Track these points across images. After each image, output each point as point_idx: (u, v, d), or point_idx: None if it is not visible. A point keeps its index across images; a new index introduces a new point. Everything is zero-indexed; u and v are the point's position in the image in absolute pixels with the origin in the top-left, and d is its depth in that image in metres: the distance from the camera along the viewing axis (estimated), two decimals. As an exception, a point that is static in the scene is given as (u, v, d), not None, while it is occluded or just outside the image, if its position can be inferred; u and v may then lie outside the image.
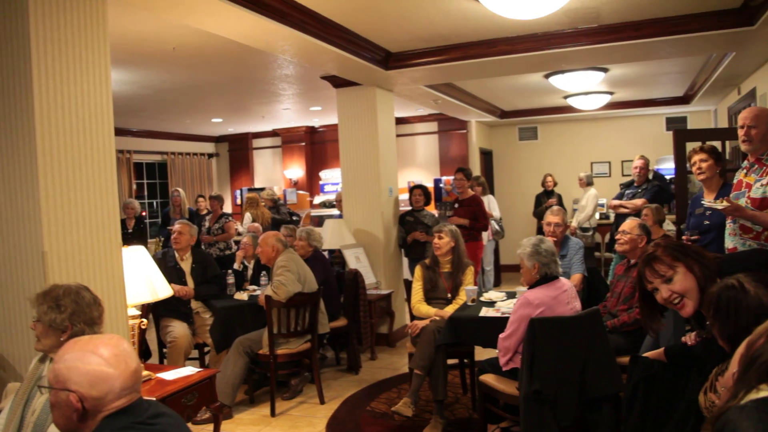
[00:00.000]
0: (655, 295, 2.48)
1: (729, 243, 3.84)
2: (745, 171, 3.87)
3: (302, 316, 4.98)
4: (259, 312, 5.15)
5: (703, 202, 4.20)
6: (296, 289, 4.91)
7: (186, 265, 5.64)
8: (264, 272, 5.85)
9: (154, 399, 1.95)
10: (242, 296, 5.64)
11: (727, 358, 2.29)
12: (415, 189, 7.29)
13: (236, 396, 4.94)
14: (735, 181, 3.95)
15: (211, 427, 3.96)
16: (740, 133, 3.83)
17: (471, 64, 6.07)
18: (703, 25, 5.27)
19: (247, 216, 8.54)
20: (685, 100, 10.08)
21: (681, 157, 6.76)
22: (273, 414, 4.90)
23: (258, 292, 5.55)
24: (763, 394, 1.48)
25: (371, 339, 6.36)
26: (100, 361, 1.69)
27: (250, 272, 6.34)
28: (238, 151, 13.12)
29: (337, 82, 6.88)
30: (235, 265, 6.45)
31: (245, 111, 9.93)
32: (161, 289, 3.74)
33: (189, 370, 3.82)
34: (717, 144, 6.43)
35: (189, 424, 4.44)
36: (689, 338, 2.68)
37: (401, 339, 7.07)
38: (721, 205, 3.62)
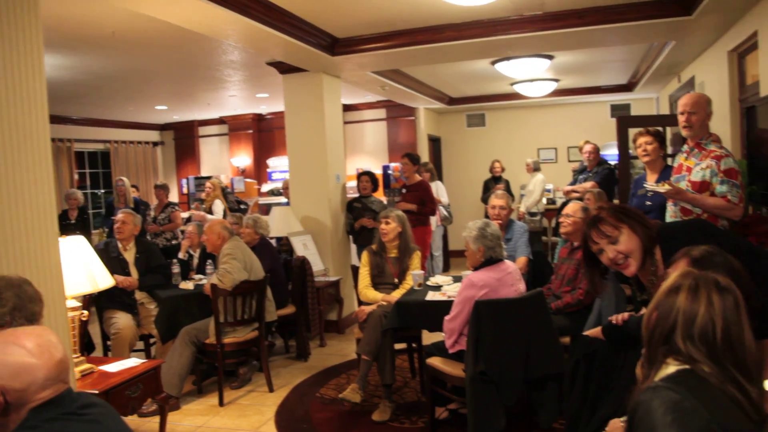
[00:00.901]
0: (600, 256, 2.55)
1: (670, 224, 3.97)
2: (685, 155, 4.00)
3: (249, 304, 4.94)
4: (205, 301, 5.10)
5: (645, 184, 4.33)
6: (242, 277, 4.87)
7: (129, 255, 5.53)
8: (210, 261, 5.78)
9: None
10: (188, 285, 5.57)
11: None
12: (363, 175, 7.29)
13: (183, 387, 4.88)
14: (675, 164, 4.08)
15: (158, 419, 3.91)
16: (681, 119, 3.96)
17: (418, 50, 6.08)
18: (644, 14, 5.39)
19: (218, 203, 8.38)
20: (628, 87, 10.31)
21: (624, 143, 6.93)
22: (221, 403, 4.86)
23: (204, 281, 5.49)
24: (671, 368, 1.53)
25: (320, 326, 6.36)
26: (22, 352, 1.65)
27: (196, 261, 6.25)
28: (184, 140, 12.89)
29: (284, 68, 6.81)
30: (180, 255, 6.36)
31: (190, 98, 9.75)
32: (102, 279, 3.67)
33: (133, 362, 3.77)
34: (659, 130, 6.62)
35: (135, 417, 4.43)
36: (616, 318, 2.75)
37: (351, 325, 7.09)
38: (662, 188, 3.74)
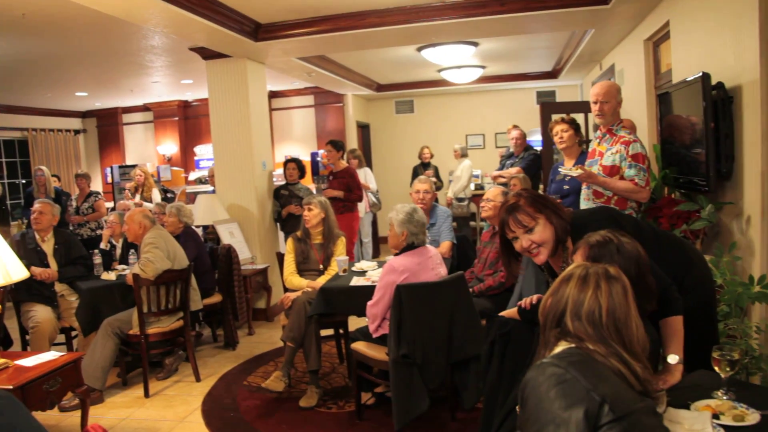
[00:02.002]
0: (514, 243, 2.62)
1: (584, 206, 4.12)
2: (598, 140, 4.16)
3: (173, 293, 4.86)
4: (128, 292, 5.00)
5: (560, 168, 4.48)
6: (165, 266, 4.79)
7: (48, 246, 5.36)
8: (133, 250, 5.66)
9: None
10: (110, 276, 5.44)
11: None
12: (289, 162, 7.25)
13: (107, 379, 4.77)
14: (590, 149, 4.24)
15: (79, 413, 3.83)
16: (593, 108, 4.11)
17: (342, 36, 6.07)
18: (564, 2, 5.54)
19: (156, 192, 8.16)
20: (553, 74, 10.56)
21: (547, 129, 7.11)
22: (147, 395, 4.78)
23: (127, 272, 5.37)
24: (557, 349, 1.64)
25: (248, 314, 6.32)
26: None
27: (118, 251, 6.10)
28: (107, 127, 12.48)
29: (207, 53, 6.69)
30: (102, 245, 6.19)
31: (112, 84, 9.44)
32: (15, 271, 3.54)
33: (51, 355, 3.68)
34: (580, 116, 6.83)
35: (56, 411, 4.31)
36: (524, 302, 2.84)
37: (279, 313, 7.04)
38: (575, 172, 3.88)
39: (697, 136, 4.06)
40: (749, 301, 3.29)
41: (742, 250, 3.73)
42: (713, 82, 3.87)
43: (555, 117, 4.74)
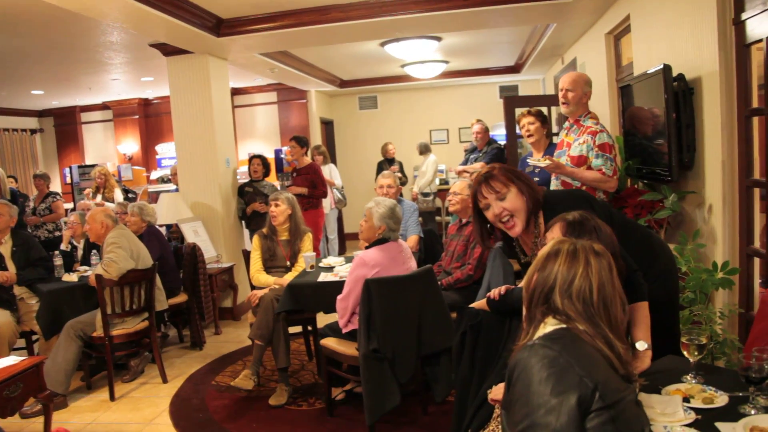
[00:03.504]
0: (486, 212, 2.62)
1: (554, 196, 4.15)
2: (566, 131, 4.20)
3: (137, 293, 4.77)
4: (90, 293, 4.89)
5: (528, 160, 4.51)
6: (129, 266, 4.69)
7: (5, 248, 5.21)
8: (95, 251, 5.53)
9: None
10: (71, 278, 5.31)
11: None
12: (254, 159, 7.17)
13: (70, 383, 4.66)
14: (558, 141, 4.27)
15: (42, 419, 3.72)
16: (560, 96, 4.15)
17: (305, 31, 6.01)
18: (526, -5, 5.57)
19: (118, 192, 7.98)
20: (515, 69, 10.64)
21: (511, 123, 7.15)
22: (112, 398, 4.68)
23: (89, 273, 5.25)
24: (549, 327, 1.61)
25: (214, 313, 6.24)
26: None
27: (80, 252, 5.97)
28: (66, 126, 12.21)
29: (167, 50, 6.57)
30: (63, 246, 6.05)
31: (69, 82, 9.22)
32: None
33: (11, 360, 3.58)
34: (544, 109, 6.88)
35: (17, 418, 4.20)
36: (493, 293, 2.85)
37: (246, 311, 6.99)
38: (543, 162, 3.90)
39: (659, 128, 4.12)
40: (713, 288, 3.35)
41: (704, 238, 3.80)
42: (674, 73, 3.93)
43: (522, 110, 4.76)
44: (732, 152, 3.60)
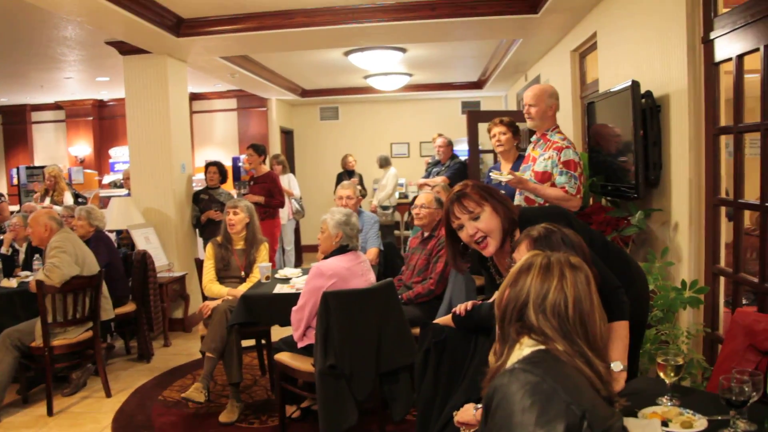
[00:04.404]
0: (460, 233, 2.50)
1: (516, 214, 4.06)
2: (533, 145, 4.11)
3: (81, 301, 4.52)
4: (31, 300, 4.60)
5: (491, 174, 4.40)
6: (73, 271, 4.44)
7: (-60, 250, 4.91)
8: (38, 255, 5.25)
9: None
10: (11, 283, 5.03)
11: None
12: (210, 166, 6.96)
13: (4, 397, 4.39)
14: (526, 154, 4.19)
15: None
16: (524, 111, 4.07)
17: (268, 36, 5.85)
18: (494, 9, 5.53)
19: (68, 195, 7.63)
20: (478, 85, 10.65)
21: (474, 137, 7.11)
22: (50, 413, 4.40)
23: (30, 278, 4.97)
24: (526, 349, 1.48)
25: (164, 324, 5.99)
26: None
27: (21, 256, 5.67)
28: (14, 125, 11.74)
29: (125, 48, 6.33)
30: (3, 249, 5.74)
31: (19, 78, 8.83)
32: None
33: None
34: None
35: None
36: (459, 309, 2.74)
37: (197, 323, 6.75)
38: (505, 177, 3.79)
39: (626, 145, 4.08)
40: (681, 306, 3.30)
41: (670, 256, 3.75)
42: (642, 91, 3.89)
43: (494, 119, 4.67)
44: (699, 170, 3.57)
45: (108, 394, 4.71)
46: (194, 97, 10.66)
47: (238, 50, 6.78)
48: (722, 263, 3.55)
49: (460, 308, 2.70)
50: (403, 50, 7.44)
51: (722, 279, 3.56)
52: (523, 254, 2.10)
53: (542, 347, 1.46)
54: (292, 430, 4.02)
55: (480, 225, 2.43)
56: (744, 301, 3.43)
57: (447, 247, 2.65)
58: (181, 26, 5.74)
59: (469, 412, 2.19)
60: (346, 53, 7.44)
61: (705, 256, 3.58)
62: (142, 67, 6.44)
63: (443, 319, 2.84)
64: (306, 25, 5.68)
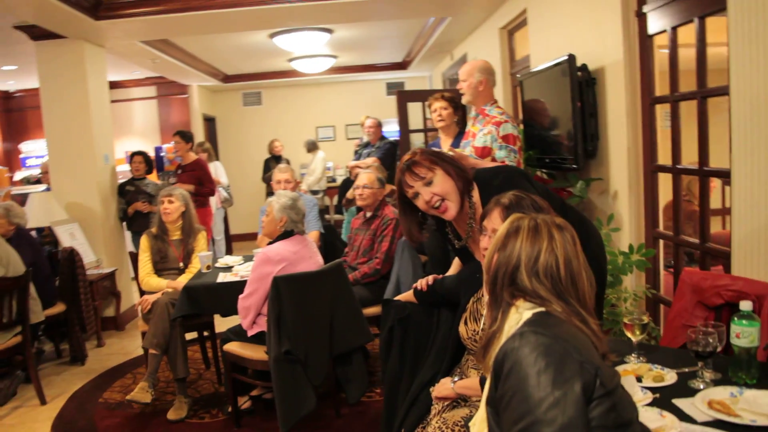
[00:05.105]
0: (416, 201, 2.46)
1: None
2: (472, 121, 4.11)
3: (8, 305, 4.23)
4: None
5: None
6: (-3, 273, 4.17)
7: None
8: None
9: None
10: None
11: (479, 287, 2.35)
12: (135, 156, 6.68)
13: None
14: (466, 130, 4.19)
15: None
16: (458, 86, 4.09)
17: (191, 18, 5.61)
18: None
19: None
20: (403, 66, 10.65)
21: (404, 117, 7.08)
22: (-22, 427, 4.14)
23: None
24: (527, 312, 1.47)
25: (96, 324, 5.71)
26: None
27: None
28: None
29: (36, 33, 5.93)
30: None
31: None
32: None
33: None
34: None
35: None
36: (420, 284, 2.72)
37: (131, 320, 6.51)
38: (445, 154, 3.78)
39: (562, 118, 4.15)
40: (630, 270, 3.39)
41: (612, 223, 3.84)
42: (576, 64, 3.96)
43: (435, 94, 4.64)
44: (636, 139, 3.67)
45: (43, 401, 4.45)
46: (111, 85, 10.11)
47: (159, 33, 6.49)
48: (661, 227, 3.68)
49: (422, 283, 2.68)
50: (330, 31, 7.33)
51: (662, 242, 3.69)
52: (495, 222, 2.09)
53: (542, 309, 1.45)
54: (246, 421, 3.91)
55: (435, 189, 2.40)
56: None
57: (402, 221, 2.60)
58: (98, 8, 5.40)
59: (447, 386, 2.18)
60: (272, 35, 7.27)
61: (645, 221, 3.69)
62: (57, 53, 6.07)
63: (404, 296, 2.81)
64: (230, 6, 5.48)
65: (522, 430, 1.25)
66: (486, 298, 1.60)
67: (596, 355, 1.36)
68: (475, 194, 2.47)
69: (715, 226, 3.90)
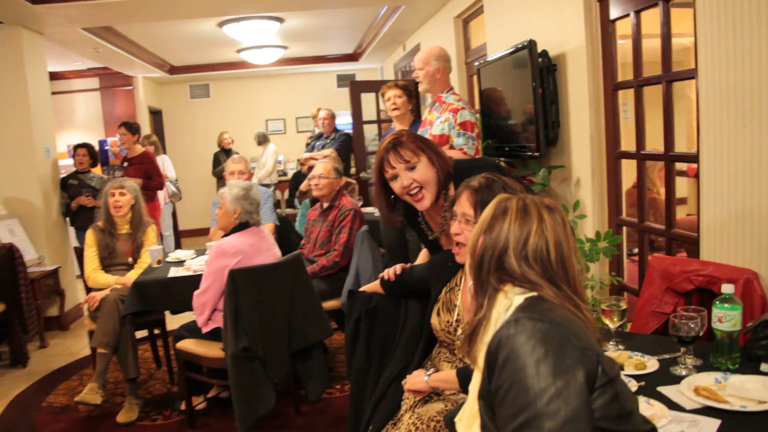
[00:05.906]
0: (393, 183, 2.36)
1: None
2: (429, 109, 4.04)
3: (-57, 304, 3.99)
4: None
5: None
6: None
7: None
8: None
9: None
10: None
11: (451, 276, 2.26)
12: (79, 148, 6.38)
13: None
14: (423, 118, 4.11)
15: None
16: (414, 75, 4.03)
17: (136, 3, 5.38)
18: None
19: None
20: (354, 57, 10.52)
21: (357, 108, 6.97)
22: None
23: None
24: (518, 297, 1.37)
25: (39, 324, 5.43)
26: None
27: None
28: None
29: (-32, 19, 5.62)
30: None
31: None
32: None
33: None
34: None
35: None
36: (387, 273, 2.62)
37: (77, 320, 6.23)
38: None
39: (522, 105, 4.10)
40: (597, 257, 3.36)
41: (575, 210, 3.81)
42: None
43: (388, 83, 4.54)
44: (599, 125, 3.64)
45: (-19, 407, 4.21)
46: (51, 76, 9.71)
47: (102, 20, 6.20)
48: (624, 214, 3.66)
49: (389, 273, 2.57)
50: (281, 20, 7.16)
51: (625, 229, 3.67)
52: (464, 206, 2.00)
53: (534, 294, 1.35)
54: (201, 422, 3.74)
55: (416, 175, 2.30)
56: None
57: (379, 201, 2.49)
58: (37, -9, 5.14)
59: (420, 379, 2.07)
60: (221, 24, 7.05)
61: (608, 208, 3.67)
62: (-7, 40, 5.75)
63: (370, 286, 2.70)
64: (179, -8, 5.29)
65: (522, 425, 1.14)
66: (470, 284, 1.49)
67: (595, 342, 1.28)
68: (452, 188, 2.38)
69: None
